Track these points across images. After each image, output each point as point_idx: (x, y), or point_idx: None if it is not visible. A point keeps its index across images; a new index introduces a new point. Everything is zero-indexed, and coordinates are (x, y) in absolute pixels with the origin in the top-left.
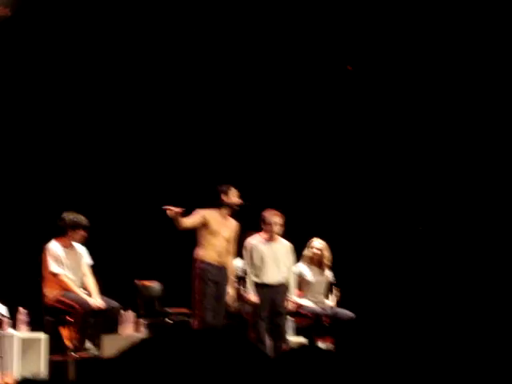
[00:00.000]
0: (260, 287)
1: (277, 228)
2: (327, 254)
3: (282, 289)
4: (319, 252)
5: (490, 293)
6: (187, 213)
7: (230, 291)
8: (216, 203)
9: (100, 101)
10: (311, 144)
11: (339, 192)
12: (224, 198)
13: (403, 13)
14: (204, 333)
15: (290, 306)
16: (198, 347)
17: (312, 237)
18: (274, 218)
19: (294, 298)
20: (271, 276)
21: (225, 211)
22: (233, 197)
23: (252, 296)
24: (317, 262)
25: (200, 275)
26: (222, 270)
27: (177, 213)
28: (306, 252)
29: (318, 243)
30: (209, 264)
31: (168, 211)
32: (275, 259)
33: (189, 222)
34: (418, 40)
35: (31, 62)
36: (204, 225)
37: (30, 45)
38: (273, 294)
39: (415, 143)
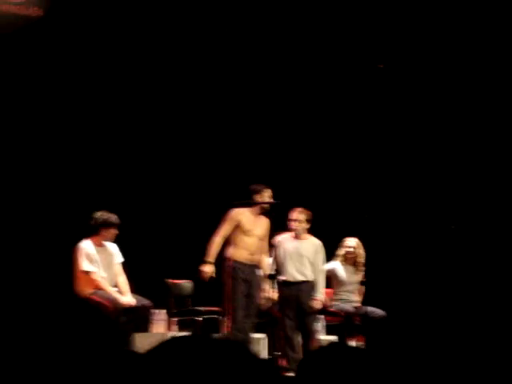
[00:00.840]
0: (283, 285)
1: (294, 224)
2: (362, 252)
3: (306, 287)
4: (353, 250)
5: None
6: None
7: (263, 289)
8: (249, 202)
9: (132, 103)
10: (345, 145)
11: (372, 191)
12: (257, 197)
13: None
14: (220, 345)
15: (317, 306)
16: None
17: (345, 236)
18: (293, 215)
19: (321, 297)
20: (293, 273)
21: (257, 210)
22: (266, 196)
23: (274, 293)
24: (351, 261)
25: (232, 274)
26: (253, 268)
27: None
28: (339, 251)
29: (351, 242)
30: (241, 263)
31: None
32: (299, 257)
33: (222, 237)
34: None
35: (53, 66)
36: (237, 225)
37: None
38: (296, 291)
39: (449, 142)
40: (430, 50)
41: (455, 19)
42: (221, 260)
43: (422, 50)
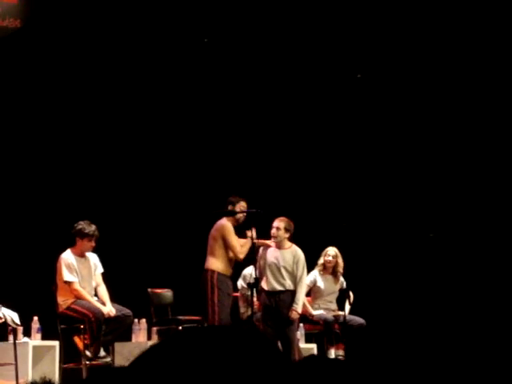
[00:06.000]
0: (264, 294)
1: (273, 231)
2: (341, 261)
3: (284, 296)
4: (333, 260)
5: (499, 298)
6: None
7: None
8: (230, 211)
9: (117, 112)
10: (324, 154)
11: (351, 200)
12: (231, 208)
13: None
14: (216, 330)
15: (293, 315)
16: (210, 346)
17: (326, 245)
18: (274, 223)
19: (298, 307)
20: (272, 284)
21: (234, 221)
22: (241, 207)
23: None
24: (331, 271)
25: (218, 286)
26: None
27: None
28: (321, 260)
29: (332, 251)
30: (224, 275)
31: None
32: (278, 267)
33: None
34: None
35: (42, 74)
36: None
37: (36, 56)
38: (275, 301)
39: (427, 150)
40: (409, 60)
41: (435, 28)
42: (202, 270)
43: (401, 60)
